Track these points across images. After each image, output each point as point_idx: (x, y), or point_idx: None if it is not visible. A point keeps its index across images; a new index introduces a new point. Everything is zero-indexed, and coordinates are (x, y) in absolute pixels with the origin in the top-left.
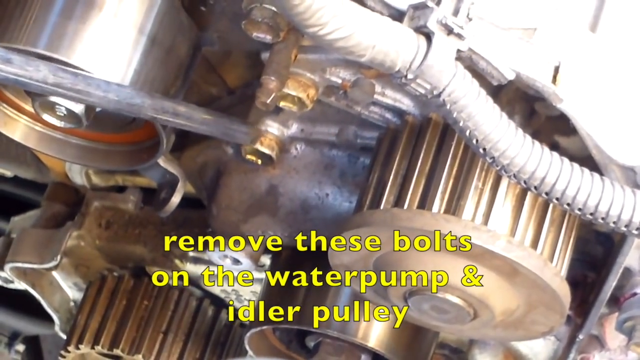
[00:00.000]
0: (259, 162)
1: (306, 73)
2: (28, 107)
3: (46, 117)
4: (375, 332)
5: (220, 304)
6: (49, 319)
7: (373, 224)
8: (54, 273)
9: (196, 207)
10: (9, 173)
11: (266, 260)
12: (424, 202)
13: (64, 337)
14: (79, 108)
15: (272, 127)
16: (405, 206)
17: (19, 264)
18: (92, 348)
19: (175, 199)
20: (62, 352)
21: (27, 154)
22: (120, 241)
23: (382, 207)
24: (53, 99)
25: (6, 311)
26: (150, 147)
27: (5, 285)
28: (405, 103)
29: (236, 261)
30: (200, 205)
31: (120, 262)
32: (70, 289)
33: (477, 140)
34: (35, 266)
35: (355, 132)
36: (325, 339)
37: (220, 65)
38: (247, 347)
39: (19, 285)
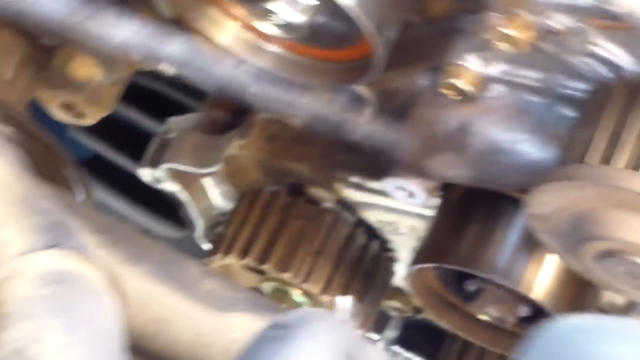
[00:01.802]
0: (455, 97)
1: (529, 15)
2: (239, 13)
3: (263, 26)
4: (539, 284)
5: (372, 234)
6: (178, 223)
7: (580, 178)
8: (206, 179)
9: None
10: (170, 71)
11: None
12: (637, 164)
13: (203, 244)
14: (299, 19)
15: (475, 65)
16: (614, 165)
17: (176, 166)
18: (241, 260)
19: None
20: (206, 260)
21: None
22: (282, 157)
23: (586, 163)
24: (274, 7)
25: (139, 209)
26: (356, 67)
27: (152, 184)
28: (623, 59)
29: (411, 195)
30: None
31: (278, 178)
32: (218, 197)
33: None
34: (192, 170)
35: (560, 81)
36: (486, 285)
37: None
38: (406, 284)
39: (168, 186)
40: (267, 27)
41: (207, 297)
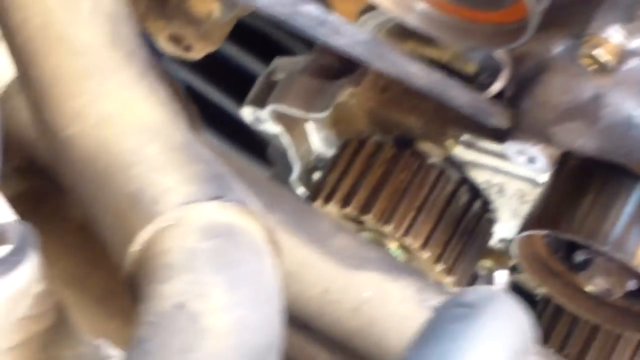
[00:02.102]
0: (592, 67)
1: None
2: None
3: None
4: None
5: (476, 193)
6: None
7: None
8: (309, 123)
9: None
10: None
11: None
12: None
13: (297, 188)
14: None
15: (616, 36)
16: None
17: (284, 108)
18: (341, 208)
19: (497, 86)
20: None
21: None
22: (393, 108)
23: None
24: None
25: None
26: (510, 30)
27: (253, 124)
28: None
29: (532, 160)
30: None
31: (386, 129)
32: (319, 142)
33: None
34: (300, 113)
35: None
36: (597, 256)
37: None
38: (513, 248)
39: (269, 127)
40: None
41: (339, 253)
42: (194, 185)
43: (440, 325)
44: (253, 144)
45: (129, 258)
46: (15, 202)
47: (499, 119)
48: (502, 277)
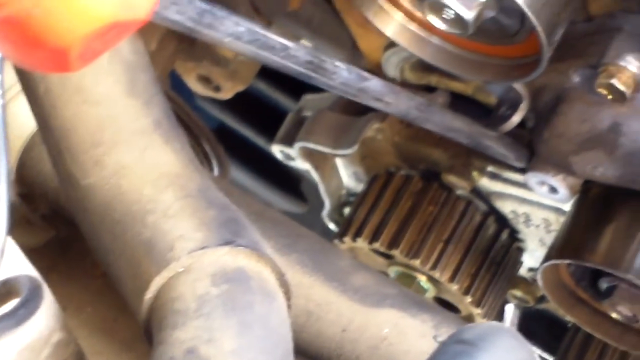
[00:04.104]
0: (609, 97)
1: None
2: (405, 3)
3: (431, 18)
4: None
5: (503, 223)
6: (300, 199)
7: None
8: (338, 159)
9: None
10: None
11: None
12: None
13: (329, 223)
14: (469, 15)
15: (632, 65)
16: None
17: (311, 145)
18: (370, 244)
19: (516, 118)
20: (335, 241)
21: (345, 36)
22: (419, 141)
23: None
24: (445, 0)
25: (265, 184)
26: (523, 64)
27: (283, 161)
28: None
29: (553, 190)
30: None
31: (412, 162)
32: (348, 178)
33: None
34: (328, 150)
35: None
36: (621, 283)
37: None
38: (537, 277)
39: (299, 164)
40: (434, 20)
41: (357, 291)
42: (207, 231)
43: None
44: (288, 180)
45: (145, 305)
46: (43, 250)
47: (520, 160)
48: (510, 311)
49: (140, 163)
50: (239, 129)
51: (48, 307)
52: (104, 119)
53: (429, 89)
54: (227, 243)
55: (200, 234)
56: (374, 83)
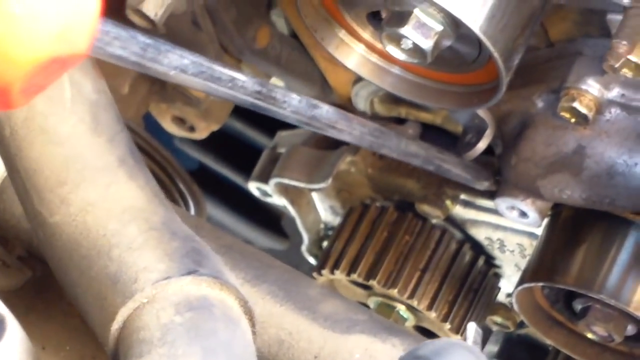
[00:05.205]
0: (572, 120)
1: None
2: (365, 36)
3: (390, 49)
4: None
5: (479, 250)
6: (282, 235)
7: None
8: (314, 194)
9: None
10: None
11: None
12: None
13: (308, 257)
14: (427, 44)
15: (593, 88)
16: None
17: (286, 181)
18: (348, 275)
19: (482, 145)
20: (314, 274)
21: (315, 71)
22: (392, 173)
23: None
24: (402, 31)
25: (246, 223)
26: (483, 91)
27: (260, 197)
28: None
29: (523, 214)
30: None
31: (387, 194)
32: (325, 212)
33: None
34: (302, 185)
35: None
36: (595, 304)
37: (547, 17)
38: (512, 301)
39: (276, 200)
40: (393, 50)
41: (328, 318)
42: (170, 262)
43: None
44: (270, 218)
45: (112, 335)
46: (20, 292)
47: (486, 183)
48: (471, 329)
49: (105, 199)
50: (218, 169)
51: (14, 341)
52: (68, 158)
53: (400, 121)
54: (190, 272)
55: (163, 265)
56: (325, 110)
